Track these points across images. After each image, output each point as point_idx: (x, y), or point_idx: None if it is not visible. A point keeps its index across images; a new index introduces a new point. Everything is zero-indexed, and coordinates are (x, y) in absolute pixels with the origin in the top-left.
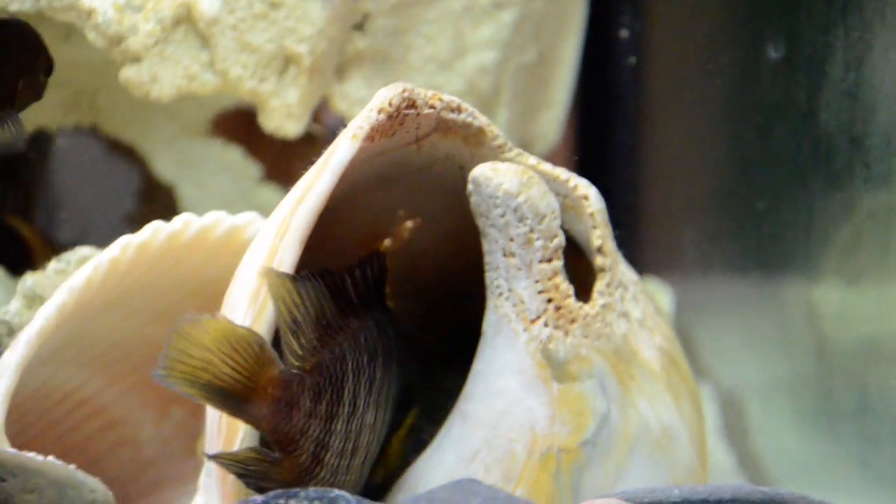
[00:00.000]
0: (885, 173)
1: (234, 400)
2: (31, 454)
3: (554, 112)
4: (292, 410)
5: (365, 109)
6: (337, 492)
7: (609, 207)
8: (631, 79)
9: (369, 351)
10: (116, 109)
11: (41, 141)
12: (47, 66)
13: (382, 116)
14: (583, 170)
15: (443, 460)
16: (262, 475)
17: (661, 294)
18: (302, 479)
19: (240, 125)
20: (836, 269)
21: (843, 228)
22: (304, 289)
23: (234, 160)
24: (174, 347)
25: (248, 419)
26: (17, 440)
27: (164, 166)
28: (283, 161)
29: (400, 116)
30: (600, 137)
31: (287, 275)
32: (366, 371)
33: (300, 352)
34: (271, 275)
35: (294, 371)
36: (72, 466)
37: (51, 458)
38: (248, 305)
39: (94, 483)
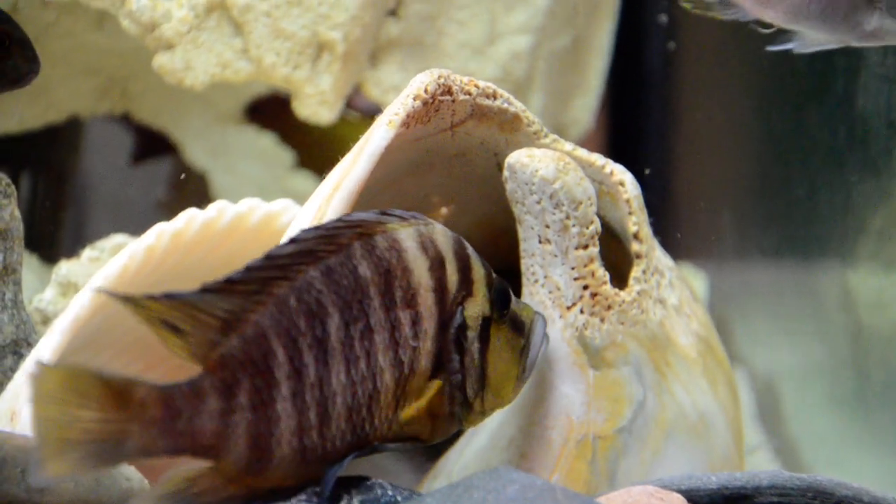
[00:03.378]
0: None
1: (116, 446)
2: None
3: (588, 98)
4: (191, 421)
5: (401, 96)
6: (375, 481)
7: (643, 193)
8: (665, 64)
9: (310, 308)
10: (149, 97)
11: (74, 128)
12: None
13: (418, 103)
14: (617, 156)
15: (478, 447)
16: (206, 492)
17: (695, 280)
18: (255, 474)
19: (273, 112)
20: (872, 254)
21: (880, 214)
22: (170, 296)
23: (268, 147)
24: (37, 417)
25: (151, 452)
26: None
27: (197, 154)
28: (316, 148)
29: (435, 103)
30: (635, 123)
31: (141, 295)
32: (310, 332)
33: (196, 352)
34: (123, 301)
35: (184, 382)
36: None
37: None
38: None
39: (129, 471)
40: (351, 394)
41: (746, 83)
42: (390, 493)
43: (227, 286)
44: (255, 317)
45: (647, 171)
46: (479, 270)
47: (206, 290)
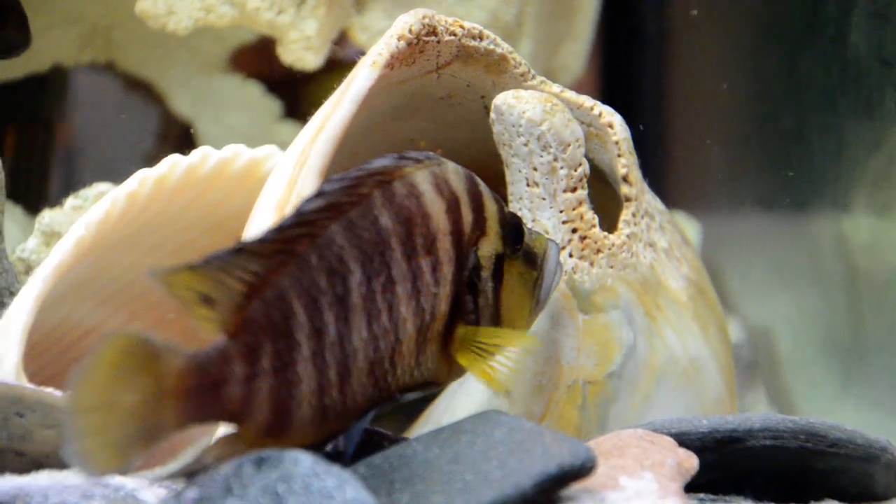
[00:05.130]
0: None
1: (157, 423)
2: (50, 389)
3: (578, 44)
4: (221, 389)
5: (384, 36)
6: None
7: (635, 141)
8: (657, 9)
9: (330, 266)
10: (133, 45)
11: (57, 78)
12: None
13: (402, 44)
14: (609, 103)
15: (469, 393)
16: (228, 457)
17: (688, 228)
18: (275, 436)
19: (259, 61)
20: (866, 198)
21: (875, 157)
22: (199, 265)
23: (254, 96)
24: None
25: (185, 424)
26: (37, 377)
27: (183, 103)
28: (303, 97)
29: (420, 44)
30: (627, 70)
31: (171, 270)
32: (331, 290)
33: (218, 318)
34: (156, 280)
35: (210, 348)
36: None
37: None
38: None
39: None
40: (373, 348)
41: (738, 25)
42: (377, 438)
43: (257, 246)
44: (277, 277)
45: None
46: (491, 207)
47: (238, 250)
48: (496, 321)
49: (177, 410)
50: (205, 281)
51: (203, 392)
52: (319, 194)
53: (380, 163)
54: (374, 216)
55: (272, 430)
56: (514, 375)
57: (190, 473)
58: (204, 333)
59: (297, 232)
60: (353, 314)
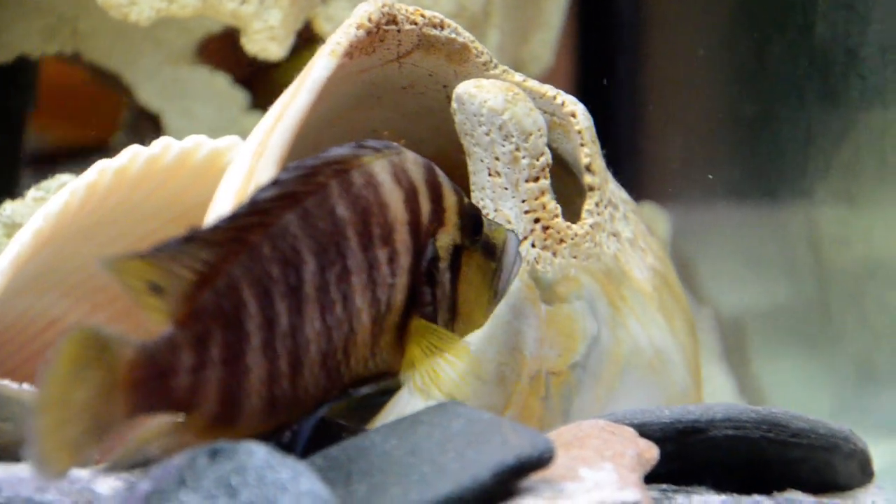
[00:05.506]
0: (881, 85)
1: (109, 416)
2: (5, 381)
3: (547, 33)
4: (169, 378)
5: (343, 25)
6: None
7: (606, 133)
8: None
9: (284, 255)
10: (99, 36)
11: (24, 69)
12: None
13: (361, 32)
14: (581, 94)
15: None
16: (175, 447)
17: (658, 220)
18: (224, 426)
19: (226, 51)
20: (836, 189)
21: (842, 147)
22: (150, 253)
23: (221, 88)
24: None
25: (134, 415)
26: None
27: (150, 95)
28: (271, 88)
29: (380, 32)
30: (598, 59)
31: (122, 257)
32: (284, 280)
33: (167, 308)
34: (105, 267)
35: (158, 337)
36: None
37: (26, 385)
38: None
39: None
40: (326, 339)
41: (709, 16)
42: (335, 429)
43: (209, 234)
44: (228, 266)
45: (609, 110)
46: (450, 198)
47: (189, 238)
48: (453, 313)
49: (126, 402)
50: (154, 270)
51: (151, 382)
52: (275, 183)
53: (337, 152)
54: (331, 206)
55: (220, 420)
56: (453, 386)
57: (136, 464)
58: (152, 323)
59: (251, 221)
60: (306, 304)
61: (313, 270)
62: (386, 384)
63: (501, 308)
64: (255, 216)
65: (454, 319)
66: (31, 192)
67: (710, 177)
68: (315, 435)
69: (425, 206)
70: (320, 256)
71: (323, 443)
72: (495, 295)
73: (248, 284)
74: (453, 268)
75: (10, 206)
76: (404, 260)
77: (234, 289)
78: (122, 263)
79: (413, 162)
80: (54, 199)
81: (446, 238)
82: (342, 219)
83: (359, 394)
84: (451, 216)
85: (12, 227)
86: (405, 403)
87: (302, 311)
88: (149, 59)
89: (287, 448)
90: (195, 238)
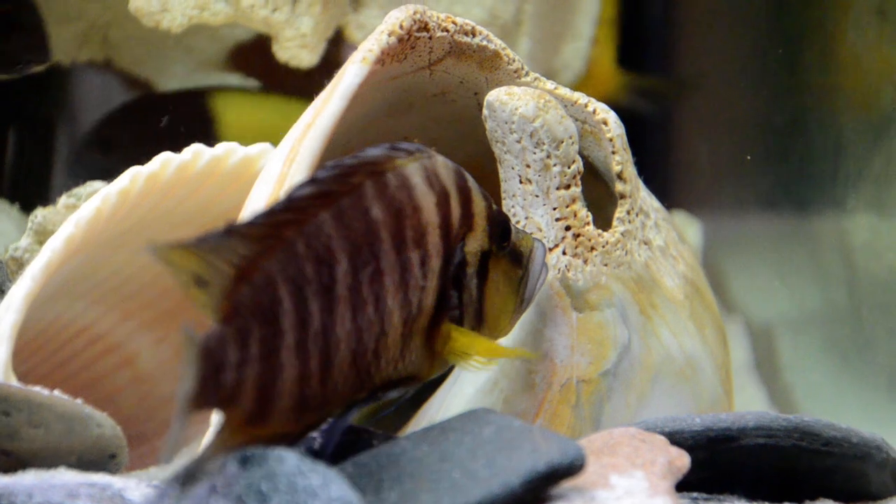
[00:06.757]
0: None
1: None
2: (38, 388)
3: (579, 43)
4: (218, 375)
5: (375, 32)
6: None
7: (638, 142)
8: (661, 10)
9: (318, 254)
10: (130, 44)
11: (56, 76)
12: None
13: (393, 39)
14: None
15: (461, 392)
16: (212, 444)
17: (689, 228)
18: (257, 424)
19: (257, 59)
20: (868, 198)
21: (874, 155)
22: (193, 244)
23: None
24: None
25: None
26: (29, 377)
27: None
28: (301, 96)
29: (411, 39)
30: (631, 67)
31: (167, 246)
32: (317, 279)
33: (211, 301)
34: (154, 254)
35: (210, 332)
36: (79, 401)
37: (57, 392)
38: None
39: (101, 417)
40: (356, 339)
41: (742, 27)
42: (365, 436)
43: (246, 229)
44: (265, 262)
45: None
46: (479, 203)
47: (228, 232)
48: (479, 318)
49: (193, 398)
50: (198, 262)
51: (208, 378)
52: (312, 181)
53: (372, 152)
54: (365, 206)
55: (254, 418)
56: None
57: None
58: (198, 316)
59: (287, 217)
60: (339, 304)
61: (346, 270)
62: (406, 392)
63: (531, 315)
64: (291, 213)
65: (480, 326)
66: (63, 199)
67: (742, 185)
68: (345, 442)
69: (455, 211)
70: (354, 256)
71: (353, 450)
72: (521, 303)
73: (283, 281)
74: (480, 274)
75: (41, 212)
76: (435, 263)
77: (270, 285)
78: (170, 252)
79: (444, 166)
80: (86, 205)
81: (475, 243)
82: (376, 219)
83: (386, 398)
84: (480, 221)
85: (43, 234)
86: (436, 410)
87: (334, 311)
88: (179, 67)
89: (317, 452)
90: (233, 232)
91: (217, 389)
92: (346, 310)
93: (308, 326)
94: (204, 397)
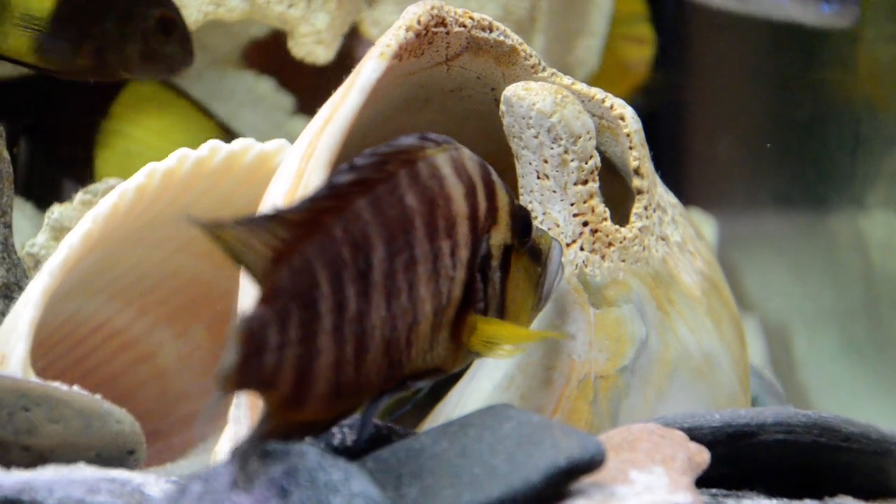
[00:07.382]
0: None
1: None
2: (56, 384)
3: (593, 39)
4: (261, 356)
5: (392, 27)
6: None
7: (653, 139)
8: (677, 9)
9: (355, 239)
10: None
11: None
12: (162, 23)
13: (410, 34)
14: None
15: (479, 388)
16: (252, 428)
17: (705, 225)
18: (293, 408)
19: (272, 55)
20: (883, 194)
21: (891, 152)
22: (234, 225)
23: (267, 92)
24: None
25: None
26: (46, 373)
27: (195, 98)
28: (317, 92)
29: (429, 35)
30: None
31: (215, 222)
32: (354, 265)
33: (255, 283)
34: (202, 228)
35: (251, 313)
36: (97, 397)
37: (76, 387)
38: None
39: (120, 413)
40: (391, 327)
41: (757, 26)
42: (385, 431)
43: (288, 213)
44: (303, 246)
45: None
46: (503, 197)
47: (272, 216)
48: (501, 313)
49: (235, 377)
50: (237, 243)
51: (253, 359)
52: (352, 168)
53: (405, 141)
54: (400, 194)
55: (291, 403)
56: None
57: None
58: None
59: (328, 204)
60: (374, 290)
61: (382, 257)
62: (426, 385)
63: (549, 311)
64: (332, 200)
65: (502, 319)
66: (79, 196)
67: (757, 183)
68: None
69: (482, 203)
70: (389, 243)
71: (373, 445)
72: (539, 301)
73: (321, 265)
74: (503, 268)
75: (57, 209)
76: (463, 254)
77: (308, 269)
78: (219, 228)
79: (469, 158)
80: (103, 201)
81: (498, 237)
82: (410, 208)
83: (415, 387)
84: (504, 216)
85: (59, 231)
86: (454, 406)
87: (370, 297)
88: (194, 64)
89: (342, 450)
90: (277, 216)
91: (258, 371)
92: (381, 297)
93: (345, 311)
94: (245, 378)
